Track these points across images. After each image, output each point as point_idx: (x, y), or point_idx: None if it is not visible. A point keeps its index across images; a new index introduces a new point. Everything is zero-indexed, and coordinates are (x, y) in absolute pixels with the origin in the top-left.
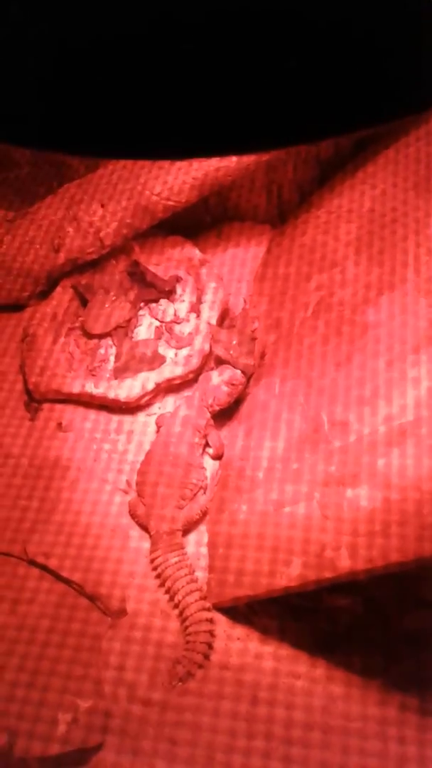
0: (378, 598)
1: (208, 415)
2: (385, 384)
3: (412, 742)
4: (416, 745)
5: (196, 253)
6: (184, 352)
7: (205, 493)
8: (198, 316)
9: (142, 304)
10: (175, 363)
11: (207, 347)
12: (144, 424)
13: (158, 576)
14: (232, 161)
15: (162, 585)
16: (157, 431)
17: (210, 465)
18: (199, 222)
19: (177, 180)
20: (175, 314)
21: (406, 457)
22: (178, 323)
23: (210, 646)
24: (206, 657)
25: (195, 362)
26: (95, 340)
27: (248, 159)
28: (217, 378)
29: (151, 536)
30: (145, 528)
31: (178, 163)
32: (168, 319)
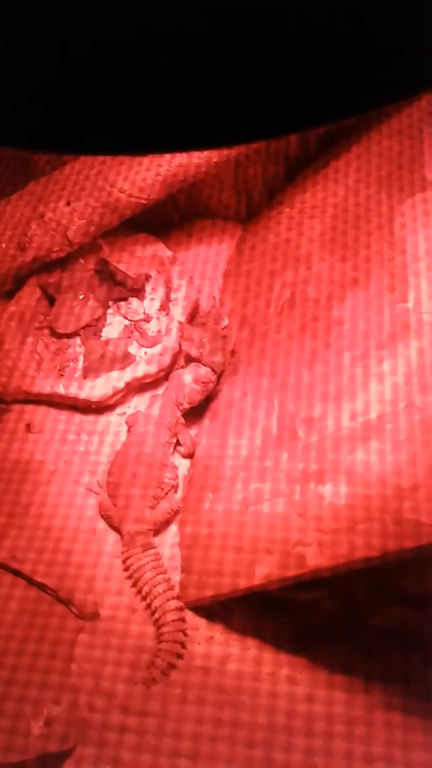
0: (347, 592)
1: (179, 413)
2: (349, 380)
3: (396, 743)
4: (383, 744)
5: (164, 251)
6: (154, 350)
7: (176, 492)
8: (167, 314)
9: (110, 303)
10: (144, 362)
11: (177, 345)
12: (114, 423)
13: (130, 576)
14: (197, 157)
15: (134, 585)
16: (128, 431)
17: (181, 464)
18: (167, 220)
19: (141, 176)
20: (144, 313)
21: (370, 453)
22: (148, 322)
23: (183, 645)
24: (179, 657)
25: (165, 360)
26: (64, 340)
27: (214, 155)
28: (187, 376)
29: (122, 536)
30: (116, 528)
31: (145, 160)
32: (137, 317)
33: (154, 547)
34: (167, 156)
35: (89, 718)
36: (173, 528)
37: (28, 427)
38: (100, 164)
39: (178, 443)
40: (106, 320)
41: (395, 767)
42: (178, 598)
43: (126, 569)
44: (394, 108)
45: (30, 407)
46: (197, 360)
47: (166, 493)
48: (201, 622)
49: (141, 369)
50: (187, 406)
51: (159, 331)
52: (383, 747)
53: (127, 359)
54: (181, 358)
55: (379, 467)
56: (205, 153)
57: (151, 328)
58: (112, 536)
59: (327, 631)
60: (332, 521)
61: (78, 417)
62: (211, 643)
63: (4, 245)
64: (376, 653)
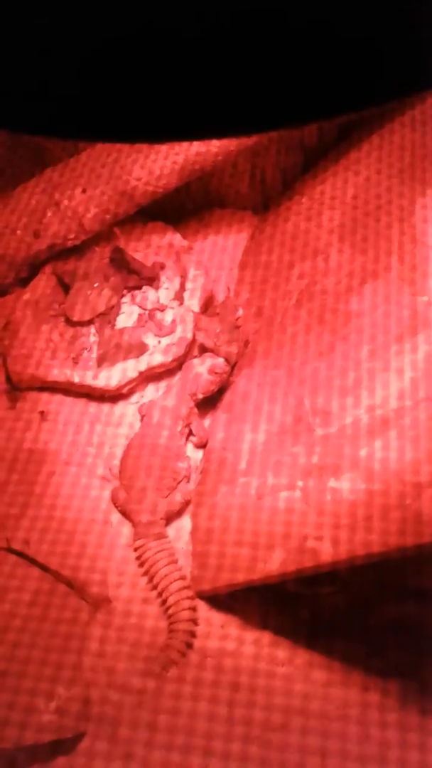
0: (360, 586)
1: (192, 403)
2: (367, 374)
3: (393, 726)
4: (397, 729)
5: (179, 239)
6: (167, 340)
7: (188, 482)
8: (181, 303)
9: (124, 291)
10: (157, 351)
11: (190, 335)
12: (125, 412)
13: (141, 564)
14: (214, 146)
15: (145, 573)
16: (140, 420)
17: (193, 454)
18: (181, 208)
19: (158, 165)
20: (157, 301)
21: (388, 448)
22: (161, 311)
23: (193, 633)
24: (189, 645)
25: (177, 350)
26: (77, 328)
27: (231, 144)
28: (200, 366)
29: (133, 525)
30: (127, 516)
31: (160, 148)
32: (151, 306)
33: (166, 537)
34: (185, 144)
35: (101, 708)
36: (186, 518)
37: (42, 415)
38: (116, 152)
39: (191, 433)
40: (120, 309)
41: (390, 750)
42: (189, 588)
43: (138, 558)
44: (413, 99)
45: (44, 395)
46: (211, 350)
47: (178, 483)
48: (211, 612)
49: (155, 358)
50: (200, 396)
51: (173, 320)
52: (379, 729)
53: (141, 348)
54: (194, 348)
55: (395, 462)
56: (223, 142)
57: (165, 317)
58: (127, 527)
59: (337, 623)
60: (347, 515)
61: (92, 405)
62: (220, 634)
63: (19, 232)
64: (377, 643)
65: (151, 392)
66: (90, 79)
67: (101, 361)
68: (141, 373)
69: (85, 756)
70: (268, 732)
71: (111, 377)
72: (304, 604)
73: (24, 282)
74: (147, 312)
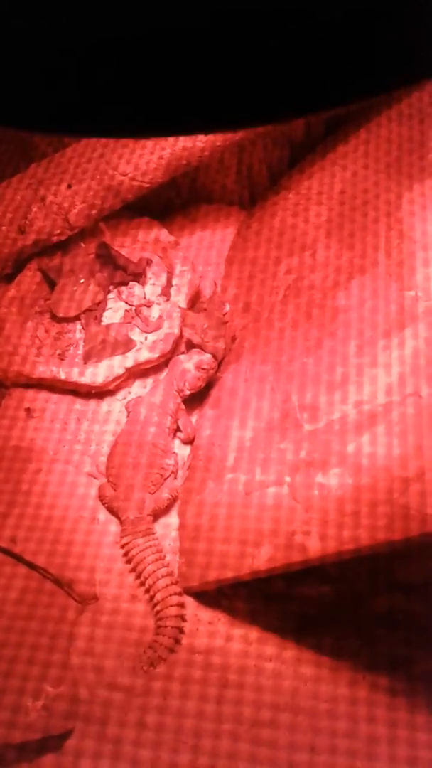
0: (349, 580)
1: (179, 399)
2: (355, 369)
3: (382, 722)
4: (386, 725)
5: (165, 235)
6: (154, 336)
7: (175, 477)
8: (168, 299)
9: (110, 287)
10: (145, 347)
11: (177, 331)
12: (112, 408)
13: (128, 561)
14: (200, 141)
15: (132, 569)
16: (128, 416)
17: (180, 450)
18: (168, 204)
19: (144, 160)
20: (144, 297)
21: (376, 443)
22: (148, 306)
23: (181, 630)
24: (177, 641)
25: (164, 346)
26: (64, 324)
27: (217, 139)
28: (187, 362)
29: (120, 521)
30: (114, 513)
31: (145, 143)
32: (137, 302)
33: (153, 532)
34: (171, 139)
35: (89, 707)
36: (173, 514)
37: (29, 412)
38: (102, 147)
39: (177, 429)
40: (106, 305)
41: (379, 745)
42: (176, 584)
43: (125, 555)
44: (400, 93)
45: (30, 392)
46: (198, 346)
47: (165, 479)
48: (199, 609)
49: (141, 354)
50: (187, 392)
51: (160, 316)
52: (368, 725)
53: (127, 344)
54: (182, 344)
55: (383, 457)
56: (210, 137)
57: (152, 313)
58: (114, 525)
59: (326, 618)
60: (334, 510)
61: (78, 402)
62: (209, 629)
63: (4, 228)
64: (366, 637)
65: (137, 388)
66: (76, 75)
67: (87, 357)
68: (128, 369)
69: (73, 755)
70: (257, 728)
71: (97, 373)
72: (293, 600)
73: (9, 278)
74: (133, 308)
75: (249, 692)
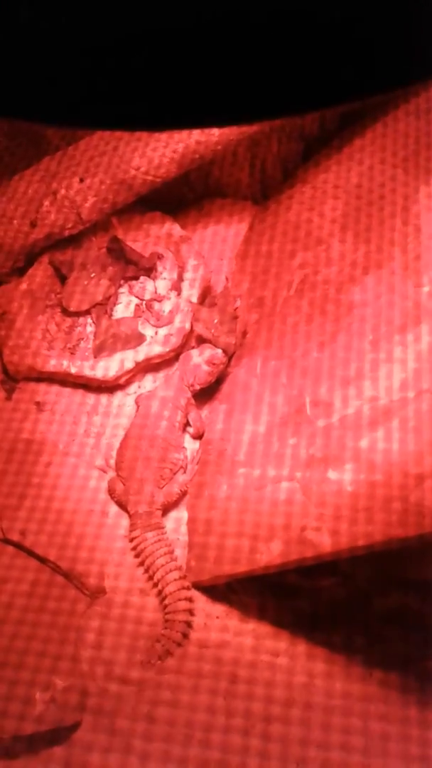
0: (361, 577)
1: (189, 394)
2: (370, 364)
3: (394, 719)
4: (398, 723)
5: (177, 229)
6: (165, 330)
7: (185, 472)
8: (178, 294)
9: (121, 282)
10: (155, 341)
11: (187, 326)
12: (123, 403)
13: (137, 555)
14: (214, 134)
15: (141, 564)
16: (137, 410)
17: (190, 444)
18: (180, 198)
19: (157, 154)
20: (155, 292)
21: (390, 439)
22: (159, 301)
23: (189, 624)
24: (185, 635)
25: (175, 341)
26: (74, 318)
27: (231, 132)
28: (197, 357)
29: (130, 516)
30: (123, 507)
31: (159, 137)
32: (148, 296)
33: (162, 527)
34: (185, 133)
35: (101, 694)
36: (182, 509)
37: (39, 406)
38: (116, 140)
39: (187, 424)
40: (117, 299)
41: (391, 743)
42: (184, 578)
43: (133, 548)
44: (418, 87)
45: (42, 386)
46: (209, 341)
47: (175, 473)
48: (209, 604)
49: (152, 349)
50: (197, 387)
51: (170, 310)
52: (381, 723)
53: (137, 339)
54: (191, 339)
55: (397, 453)
56: (224, 130)
57: (162, 307)
58: (125, 519)
59: (337, 614)
60: (347, 506)
61: (89, 396)
62: (219, 624)
63: (16, 222)
64: (377, 634)
65: (148, 383)
66: (90, 68)
67: (98, 351)
68: (138, 364)
69: (82, 748)
70: (268, 724)
71: (108, 368)
72: (303, 595)
73: (21, 272)
74: (144, 302)
75: (259, 687)
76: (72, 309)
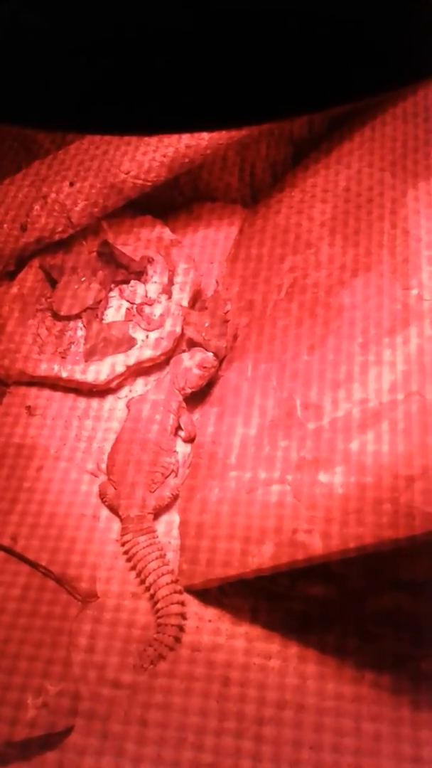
0: (353, 579)
1: (180, 397)
2: (359, 367)
3: (386, 720)
4: (390, 723)
5: (167, 233)
6: (155, 334)
7: (176, 476)
8: (169, 297)
9: (112, 285)
10: (145, 345)
11: (178, 329)
12: (114, 407)
13: (129, 559)
14: (203, 139)
15: (133, 568)
16: (128, 414)
17: (181, 449)
18: (170, 202)
19: (147, 158)
20: (145, 295)
21: (380, 440)
22: (149, 305)
23: (181, 628)
24: (177, 639)
25: (166, 344)
26: (64, 322)
27: (220, 137)
28: (188, 360)
29: (121, 519)
30: (115, 511)
31: (149, 141)
32: (138, 300)
33: (153, 530)
34: (174, 137)
35: (93, 699)
36: (174, 513)
37: (29, 410)
38: (106, 144)
39: (179, 428)
40: (108, 303)
41: (384, 743)
42: (176, 581)
43: (125, 552)
44: (406, 91)
45: (33, 390)
46: (199, 344)
47: (166, 477)
48: (201, 608)
49: (143, 353)
50: (188, 390)
51: (160, 314)
52: (373, 724)
53: (128, 343)
54: (182, 343)
55: (387, 455)
56: (213, 135)
57: (154, 311)
58: (117, 523)
59: (329, 616)
60: (338, 508)
61: (80, 400)
62: (211, 627)
63: (6, 226)
64: (369, 635)
65: (140, 387)
66: (80, 73)
67: (89, 355)
68: (129, 368)
69: (75, 752)
70: (260, 726)
71: (99, 372)
72: (294, 598)
73: (11, 276)
74: (135, 306)
75: (252, 690)
76: (63, 313)
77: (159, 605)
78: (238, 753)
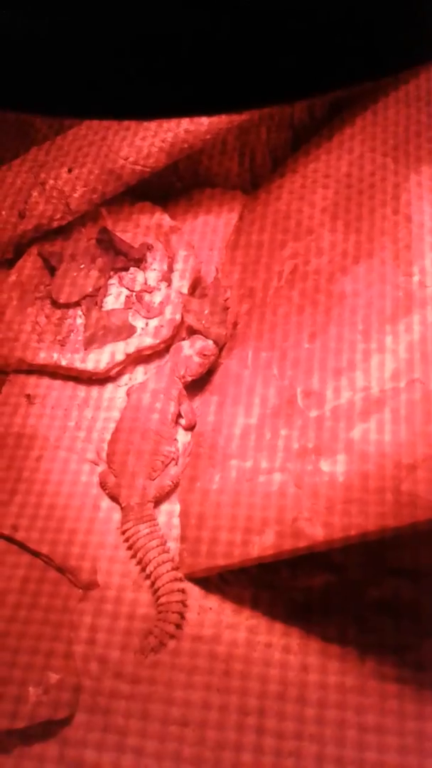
0: (354, 568)
1: (180, 385)
2: (362, 355)
3: (388, 711)
4: (395, 716)
5: (166, 219)
6: (155, 321)
7: (176, 464)
8: (169, 285)
9: (111, 273)
10: (145, 333)
11: (178, 317)
12: (114, 395)
13: (130, 547)
14: (203, 124)
15: (133, 556)
16: (128, 402)
17: (182, 436)
18: (169, 188)
19: (146, 143)
20: (145, 283)
21: (383, 429)
22: (149, 292)
23: (182, 616)
24: (178, 627)
25: (166, 332)
26: (63, 310)
27: (220, 121)
28: (188, 348)
29: (122, 508)
30: (115, 499)
31: (148, 126)
32: (138, 288)
33: (154, 519)
34: (173, 122)
35: (94, 688)
36: (174, 500)
37: (29, 398)
38: (104, 130)
39: (179, 415)
40: (107, 291)
41: (387, 736)
42: (177, 569)
43: (125, 540)
44: (408, 75)
45: (32, 379)
46: (199, 332)
47: (166, 465)
48: (203, 598)
49: (143, 341)
50: (188, 378)
51: (160, 302)
52: (376, 716)
53: (128, 330)
54: (182, 330)
55: (389, 443)
56: (212, 119)
57: (152, 298)
58: (117, 512)
59: (331, 606)
60: (342, 495)
61: (80, 389)
62: (213, 617)
63: (4, 213)
64: (371, 625)
65: (139, 375)
66: (77, 57)
67: (89, 343)
68: (129, 356)
69: (76, 745)
70: (262, 716)
71: (99, 360)
72: (296, 588)
73: (9, 263)
74: (135, 294)
75: (253, 680)
76: (62, 301)
77: (160, 593)
78: (240, 746)
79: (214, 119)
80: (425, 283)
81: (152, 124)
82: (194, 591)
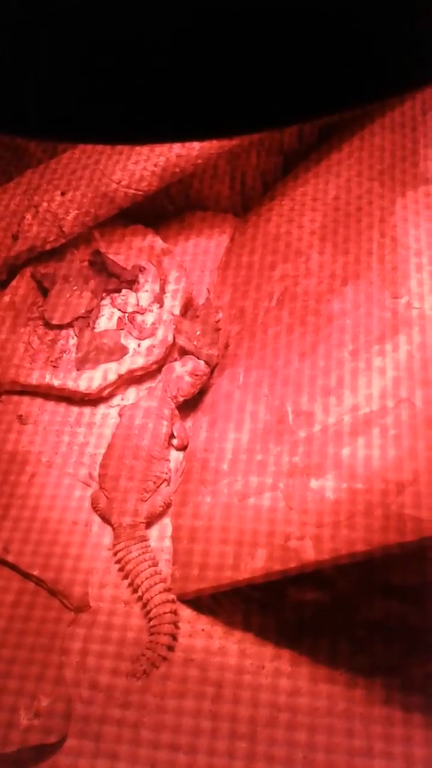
0: (345, 585)
1: (172, 405)
2: (350, 374)
3: (378, 720)
4: (382, 724)
5: (158, 242)
6: (147, 342)
7: (168, 484)
8: (161, 306)
9: (104, 294)
10: (137, 354)
11: (170, 338)
12: (106, 415)
13: (121, 568)
14: (194, 148)
15: (125, 577)
16: (120, 422)
17: (174, 456)
18: (161, 211)
19: (139, 167)
20: (137, 304)
21: (371, 447)
22: (141, 313)
23: (174, 637)
24: (170, 649)
25: (158, 353)
26: (56, 331)
27: (211, 146)
28: (180, 369)
29: (113, 529)
30: (107, 520)
31: (140, 150)
32: (130, 309)
33: (146, 540)
34: (165, 147)
35: (85, 711)
36: (166, 521)
37: (22, 419)
38: (97, 154)
39: (171, 436)
40: (99, 312)
41: (376, 760)
42: (169, 590)
43: (117, 561)
44: (393, 102)
45: (21, 398)
46: (190, 352)
47: (158, 486)
48: (194, 615)
49: (135, 361)
50: (180, 398)
51: (152, 323)
52: (365, 740)
53: (120, 351)
54: (174, 351)
55: (378, 461)
56: (204, 144)
57: (144, 320)
58: (109, 532)
59: (314, 624)
60: (331, 515)
61: (72, 409)
62: (200, 635)
63: None
64: (363, 645)
65: (132, 395)
66: (71, 82)
67: (81, 364)
68: (121, 376)
69: (69, 755)
70: (253, 737)
71: (91, 380)
72: (287, 606)
73: (3, 285)
74: (127, 315)
75: (244, 701)
76: (54, 322)
77: (151, 614)
78: (233, 754)
79: (206, 144)
80: (412, 304)
81: (145, 149)
82: (186, 610)
